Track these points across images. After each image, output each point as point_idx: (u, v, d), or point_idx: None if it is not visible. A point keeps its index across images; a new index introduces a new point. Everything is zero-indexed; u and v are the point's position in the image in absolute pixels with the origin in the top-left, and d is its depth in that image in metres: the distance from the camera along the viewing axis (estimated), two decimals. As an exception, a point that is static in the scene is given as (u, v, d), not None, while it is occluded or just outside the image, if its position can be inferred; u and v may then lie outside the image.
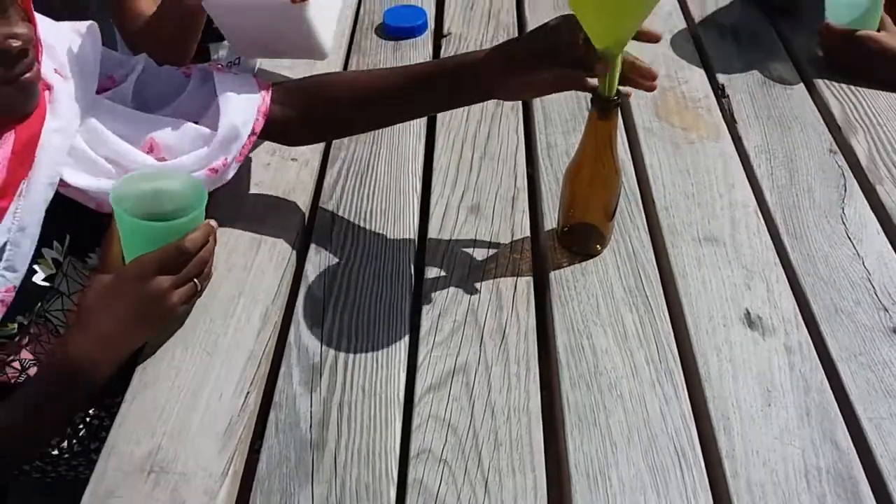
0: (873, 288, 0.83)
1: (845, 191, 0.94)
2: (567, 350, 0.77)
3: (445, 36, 1.24)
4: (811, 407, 0.72)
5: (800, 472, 0.67)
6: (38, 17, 0.73)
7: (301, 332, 0.79)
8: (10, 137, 0.69)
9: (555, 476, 0.68)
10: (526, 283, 0.84)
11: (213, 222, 0.75)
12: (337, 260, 0.86)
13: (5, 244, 0.69)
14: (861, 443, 0.69)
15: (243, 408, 0.72)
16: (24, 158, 0.70)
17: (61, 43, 0.76)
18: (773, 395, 0.73)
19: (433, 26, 1.27)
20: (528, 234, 0.90)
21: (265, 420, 0.71)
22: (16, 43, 0.64)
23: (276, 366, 0.76)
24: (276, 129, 0.85)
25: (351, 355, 0.76)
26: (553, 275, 0.85)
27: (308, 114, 0.86)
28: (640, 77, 0.72)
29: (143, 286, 0.70)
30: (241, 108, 0.81)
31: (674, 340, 0.78)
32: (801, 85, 1.12)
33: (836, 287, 0.83)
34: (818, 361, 0.76)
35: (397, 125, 1.01)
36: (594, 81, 0.73)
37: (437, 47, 1.23)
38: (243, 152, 0.82)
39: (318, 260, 0.86)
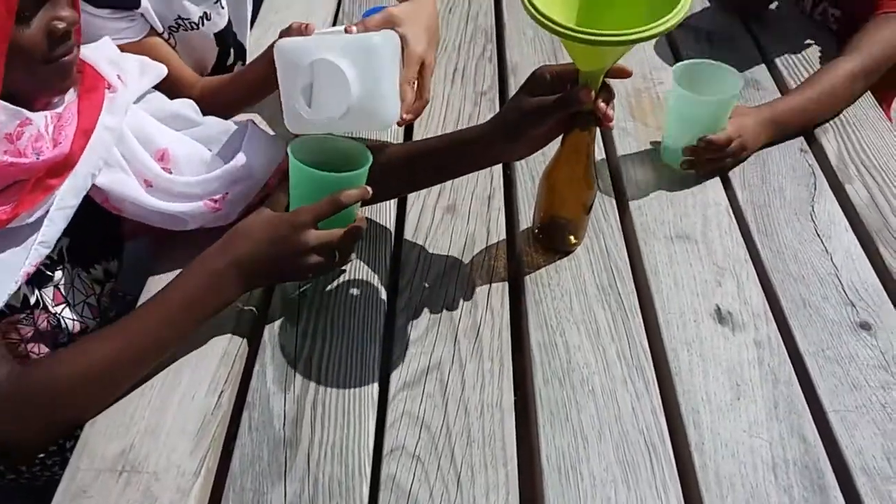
0: (841, 284, 0.84)
1: (815, 189, 0.96)
2: (540, 347, 0.78)
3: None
4: (779, 400, 0.73)
5: (767, 464, 0.68)
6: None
7: (276, 330, 0.79)
8: (73, 120, 0.73)
9: (527, 471, 0.69)
10: (501, 281, 0.85)
11: (369, 189, 0.77)
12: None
13: (43, 217, 0.71)
14: (827, 435, 0.70)
15: (216, 407, 0.72)
16: (82, 143, 0.73)
17: (131, 61, 0.82)
18: (742, 389, 0.74)
19: (411, 29, 1.28)
20: (503, 233, 0.91)
21: (239, 419, 0.72)
22: (61, 25, 0.67)
23: (251, 365, 0.76)
24: None
25: (325, 354, 0.77)
26: (527, 273, 0.85)
27: None
28: (620, 73, 0.74)
29: (291, 235, 0.73)
30: (261, 157, 0.83)
31: (645, 336, 0.79)
32: (773, 85, 1.14)
33: (805, 283, 0.84)
34: (787, 356, 0.77)
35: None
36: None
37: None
38: (250, 196, 0.84)
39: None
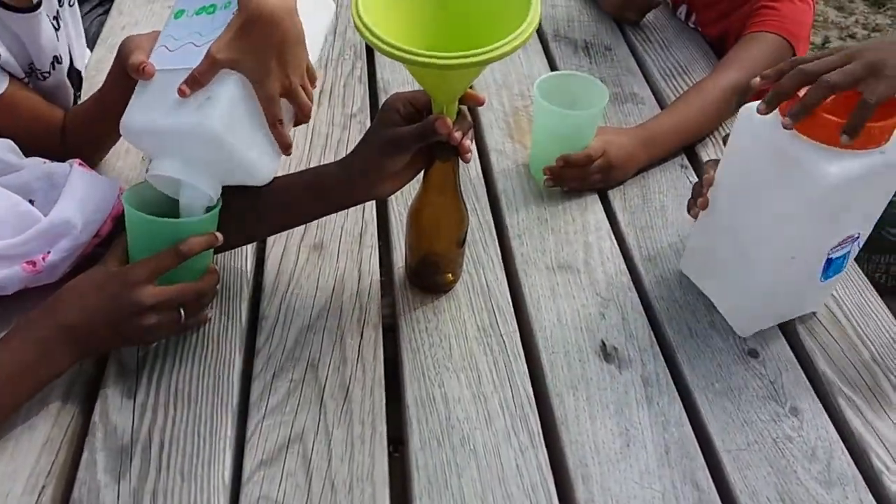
0: (726, 308, 0.81)
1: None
2: (417, 403, 0.70)
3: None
4: (671, 444, 0.68)
5: (660, 519, 0.63)
6: None
7: (108, 407, 0.68)
8: None
9: (404, 551, 0.61)
10: (374, 328, 0.77)
11: (219, 235, 0.69)
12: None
13: None
14: (720, 479, 0.67)
15: (35, 508, 0.61)
16: None
17: None
18: (631, 434, 0.69)
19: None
20: (377, 273, 0.83)
21: (62, 521, 0.61)
22: None
23: (79, 451, 0.65)
24: None
25: (168, 433, 0.66)
26: (403, 317, 0.78)
27: None
28: (473, 101, 0.69)
29: (123, 293, 0.65)
30: (86, 205, 0.72)
31: (529, 382, 0.73)
32: (653, 98, 1.11)
33: (691, 309, 0.81)
34: (676, 393, 0.73)
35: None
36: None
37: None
38: (78, 249, 0.72)
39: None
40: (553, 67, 1.17)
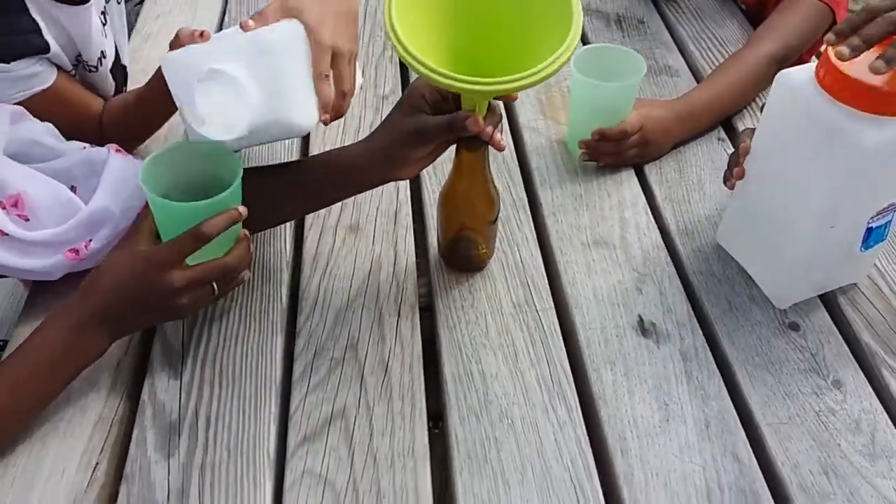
0: (766, 281, 0.80)
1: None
2: (455, 380, 0.71)
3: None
4: (710, 418, 0.68)
5: (701, 491, 0.63)
6: None
7: (156, 387, 0.70)
8: None
9: (446, 524, 0.63)
10: (410, 307, 0.77)
11: (242, 209, 0.67)
12: (188, 324, 0.77)
13: None
14: (761, 452, 0.66)
15: (91, 483, 0.63)
16: None
17: None
18: (670, 409, 0.69)
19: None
20: (412, 252, 0.83)
21: (117, 497, 0.63)
22: None
23: (130, 429, 0.68)
24: None
25: (214, 410, 0.68)
26: (439, 296, 0.79)
27: None
28: (507, 98, 0.69)
29: (155, 277, 0.65)
30: (124, 190, 0.73)
31: (566, 357, 0.73)
32: (688, 71, 1.10)
33: (730, 283, 0.80)
34: (715, 367, 0.72)
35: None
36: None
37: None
38: (119, 237, 0.74)
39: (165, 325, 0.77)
40: (585, 41, 1.15)
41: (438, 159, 0.71)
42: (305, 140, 0.99)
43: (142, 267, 0.65)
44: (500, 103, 0.68)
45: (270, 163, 0.88)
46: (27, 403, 0.65)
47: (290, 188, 0.75)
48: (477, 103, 0.65)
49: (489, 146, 0.68)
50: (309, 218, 0.86)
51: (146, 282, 0.65)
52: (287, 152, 0.97)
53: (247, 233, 0.70)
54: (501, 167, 0.94)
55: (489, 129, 0.65)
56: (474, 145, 0.69)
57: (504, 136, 0.97)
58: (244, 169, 0.68)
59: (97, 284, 0.66)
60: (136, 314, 0.67)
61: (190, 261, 0.67)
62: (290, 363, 0.73)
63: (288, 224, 0.85)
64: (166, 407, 0.68)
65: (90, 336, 0.66)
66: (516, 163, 0.95)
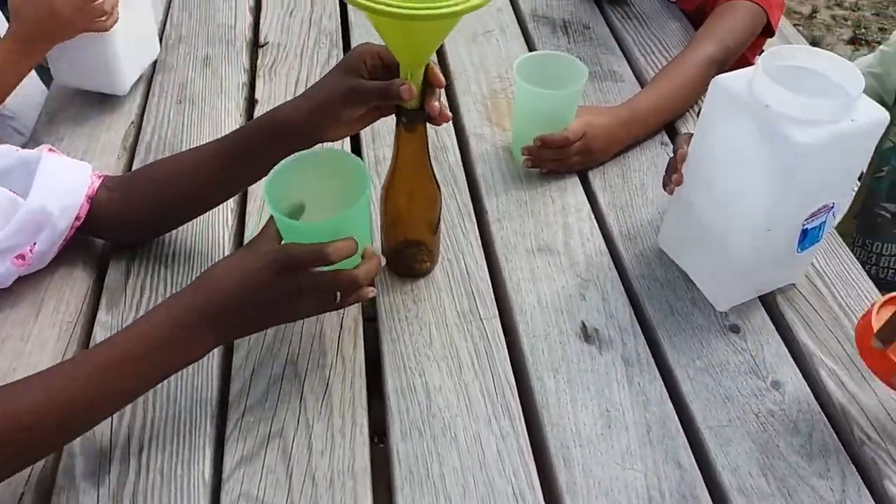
0: (707, 284, 0.81)
1: (676, 183, 0.92)
2: (398, 394, 0.70)
3: (262, 46, 1.14)
4: (652, 424, 0.68)
5: (643, 499, 0.63)
6: None
7: (88, 411, 0.68)
8: None
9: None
10: (353, 320, 0.76)
11: (370, 247, 0.67)
12: (132, 318, 0.75)
13: None
14: (702, 456, 0.67)
15: (17, 515, 0.61)
16: None
17: None
18: (612, 415, 0.69)
19: (250, 36, 1.17)
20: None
21: (45, 526, 0.61)
22: None
23: (57, 457, 0.65)
24: (107, 219, 0.77)
25: (147, 434, 0.66)
26: (383, 307, 0.78)
27: (143, 202, 0.78)
28: (433, 80, 0.67)
29: (285, 276, 0.62)
30: (57, 191, 0.72)
31: (510, 367, 0.73)
32: (633, 76, 1.10)
33: (672, 287, 0.80)
34: (657, 371, 0.72)
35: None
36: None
37: (253, 58, 1.13)
38: (64, 237, 0.73)
39: (110, 321, 0.75)
40: (531, 48, 1.16)
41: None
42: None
43: (271, 264, 0.61)
44: (441, 78, 0.67)
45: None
46: (118, 386, 0.60)
47: (227, 157, 0.74)
48: (412, 71, 0.65)
49: (426, 130, 0.69)
50: (248, 230, 0.85)
51: (275, 280, 0.61)
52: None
53: (374, 251, 0.68)
54: (447, 174, 0.94)
55: (435, 104, 0.66)
56: (411, 125, 0.68)
57: (451, 146, 0.97)
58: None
59: (219, 284, 0.62)
60: (255, 316, 0.64)
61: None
62: (227, 382, 0.71)
63: (227, 235, 0.84)
64: (96, 432, 0.66)
65: (198, 335, 0.62)
66: (462, 170, 0.95)
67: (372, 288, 0.68)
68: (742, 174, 0.70)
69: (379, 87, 0.66)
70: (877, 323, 0.64)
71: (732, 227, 0.73)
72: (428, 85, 0.67)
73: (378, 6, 0.58)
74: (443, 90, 0.69)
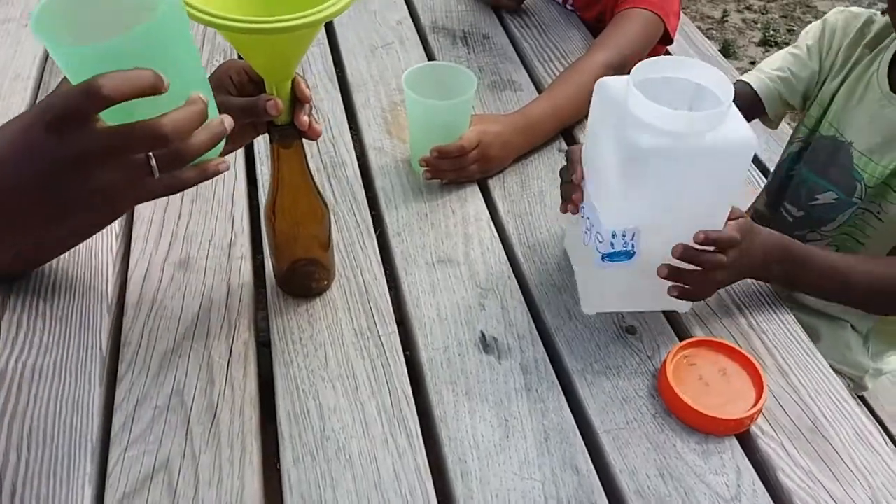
0: (605, 288, 0.81)
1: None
2: (290, 419, 0.68)
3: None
4: (550, 431, 0.67)
5: (540, 508, 0.62)
6: None
7: (-49, 459, 0.63)
8: None
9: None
10: (244, 345, 0.73)
11: (196, 94, 0.51)
12: (7, 356, 0.71)
13: None
14: (600, 460, 0.66)
15: None
16: None
17: None
18: (510, 425, 0.68)
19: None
20: (249, 285, 0.79)
21: None
22: None
23: (-81, 511, 0.60)
24: None
25: (21, 477, 0.62)
26: (276, 330, 0.75)
27: None
28: (299, 96, 0.65)
29: (53, 139, 0.47)
30: None
31: (408, 382, 0.71)
32: (531, 85, 1.11)
33: (570, 292, 0.80)
34: (555, 378, 0.72)
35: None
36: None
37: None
38: None
39: (-19, 360, 0.71)
40: (431, 59, 1.15)
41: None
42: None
43: (35, 120, 0.48)
44: (306, 93, 0.65)
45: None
46: None
47: None
48: (277, 86, 0.63)
49: (302, 145, 0.67)
50: (134, 255, 0.81)
51: (46, 142, 0.47)
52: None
53: (201, 96, 0.52)
54: (346, 189, 0.92)
55: (304, 118, 0.64)
56: (286, 140, 0.67)
57: (350, 161, 0.96)
58: None
59: None
60: (40, 199, 0.49)
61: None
62: (109, 417, 0.67)
63: (110, 264, 0.80)
64: (-39, 480, 0.61)
65: None
66: (361, 184, 0.93)
67: (220, 161, 0.54)
68: (602, 176, 0.70)
69: (244, 104, 0.64)
70: (672, 375, 0.69)
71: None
72: (296, 100, 0.65)
73: (218, 20, 0.55)
74: (312, 103, 0.67)
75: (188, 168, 0.54)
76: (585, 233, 0.74)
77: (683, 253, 0.69)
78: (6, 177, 0.48)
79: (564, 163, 0.79)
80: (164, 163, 0.51)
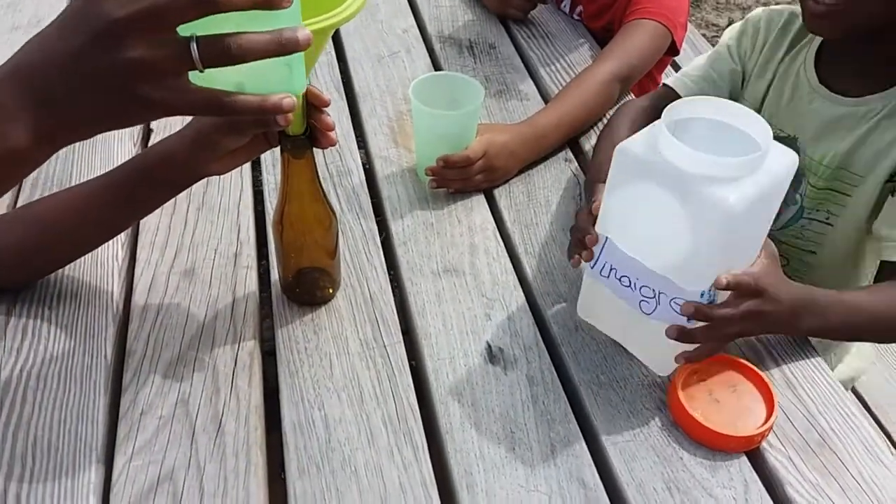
0: (612, 298, 0.81)
1: (581, 200, 0.93)
2: (295, 429, 0.67)
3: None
4: (556, 443, 0.67)
5: (546, 521, 0.62)
6: None
7: (-45, 468, 0.63)
8: None
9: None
10: (249, 354, 0.73)
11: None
12: (12, 364, 0.71)
13: None
14: (606, 473, 0.66)
15: None
16: None
17: None
18: (516, 437, 0.67)
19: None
20: (255, 294, 0.79)
21: None
22: None
23: (-78, 520, 0.60)
24: None
25: (26, 487, 0.62)
26: (281, 339, 0.75)
27: (21, 244, 0.74)
28: (316, 102, 0.64)
29: (85, 12, 0.43)
30: None
31: (413, 393, 0.71)
32: (538, 95, 1.11)
33: (576, 303, 0.80)
34: (561, 389, 0.72)
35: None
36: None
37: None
38: None
39: (-14, 369, 0.71)
40: (438, 69, 1.15)
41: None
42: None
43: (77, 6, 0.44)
44: (323, 97, 0.64)
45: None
46: None
47: (108, 198, 0.70)
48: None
49: (313, 155, 0.67)
50: (139, 265, 0.81)
51: (76, 17, 0.44)
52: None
53: None
54: (351, 198, 0.92)
55: (327, 119, 0.63)
56: (298, 151, 0.66)
57: (357, 169, 0.96)
58: None
59: (23, 48, 0.46)
60: (69, 85, 0.45)
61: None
62: (114, 426, 0.67)
63: (115, 273, 0.80)
64: (-35, 489, 0.61)
65: (4, 115, 0.45)
66: (367, 193, 0.93)
67: (284, 95, 0.50)
68: (663, 242, 0.64)
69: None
70: (682, 391, 0.68)
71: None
72: (312, 106, 0.65)
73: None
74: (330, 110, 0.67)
75: (243, 96, 0.47)
76: (643, 302, 0.67)
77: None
78: (46, 63, 0.45)
79: (569, 174, 0.78)
80: (209, 55, 0.44)
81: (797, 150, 0.91)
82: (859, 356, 1.09)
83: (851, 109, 0.86)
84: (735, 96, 0.98)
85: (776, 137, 0.95)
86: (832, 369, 0.97)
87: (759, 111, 0.94)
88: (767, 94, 0.94)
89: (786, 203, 0.92)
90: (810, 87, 0.89)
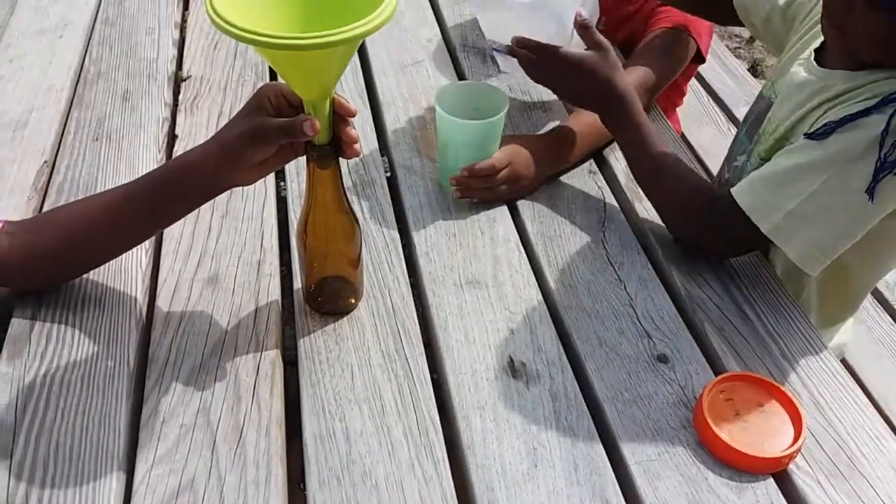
0: (636, 313, 0.80)
1: (605, 212, 0.92)
2: (316, 441, 0.67)
3: (185, 79, 1.11)
4: (579, 461, 0.66)
5: (569, 541, 0.61)
6: None
7: (-21, 473, 0.63)
8: None
9: None
10: (271, 364, 0.73)
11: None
12: (35, 369, 0.71)
13: None
14: (630, 492, 0.65)
15: None
16: None
17: None
18: (539, 453, 0.67)
19: (173, 69, 1.14)
20: (277, 303, 0.79)
21: None
22: None
23: (-54, 524, 0.60)
24: (6, 268, 0.74)
25: (47, 493, 0.62)
26: (303, 349, 0.75)
27: (47, 249, 0.74)
28: (342, 111, 0.65)
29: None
30: None
31: (435, 407, 0.70)
32: (561, 105, 1.10)
33: (600, 318, 0.79)
34: (585, 406, 0.71)
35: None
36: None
37: (176, 92, 1.10)
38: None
39: (10, 373, 0.71)
40: (461, 78, 1.15)
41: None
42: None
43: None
44: (350, 107, 0.65)
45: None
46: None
47: (132, 207, 0.71)
48: (315, 106, 0.63)
49: (339, 165, 0.67)
50: (163, 272, 0.81)
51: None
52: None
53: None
54: (374, 207, 0.92)
55: (351, 131, 0.65)
56: (324, 161, 0.66)
57: (378, 174, 0.95)
58: None
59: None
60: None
61: None
62: (135, 434, 0.67)
63: (139, 280, 0.80)
64: (-11, 495, 0.61)
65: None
66: (390, 203, 0.93)
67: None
68: None
69: (282, 125, 0.64)
70: (708, 410, 0.68)
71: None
72: (338, 117, 0.65)
73: (255, 37, 0.56)
74: (354, 121, 0.67)
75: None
76: None
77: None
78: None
79: (594, 186, 0.77)
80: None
81: (766, 111, 0.88)
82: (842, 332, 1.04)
83: (813, 79, 0.83)
84: (767, 23, 0.97)
85: (763, 97, 0.95)
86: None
87: (781, 53, 0.93)
88: (795, 45, 0.91)
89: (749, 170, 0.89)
90: (807, 49, 0.87)
